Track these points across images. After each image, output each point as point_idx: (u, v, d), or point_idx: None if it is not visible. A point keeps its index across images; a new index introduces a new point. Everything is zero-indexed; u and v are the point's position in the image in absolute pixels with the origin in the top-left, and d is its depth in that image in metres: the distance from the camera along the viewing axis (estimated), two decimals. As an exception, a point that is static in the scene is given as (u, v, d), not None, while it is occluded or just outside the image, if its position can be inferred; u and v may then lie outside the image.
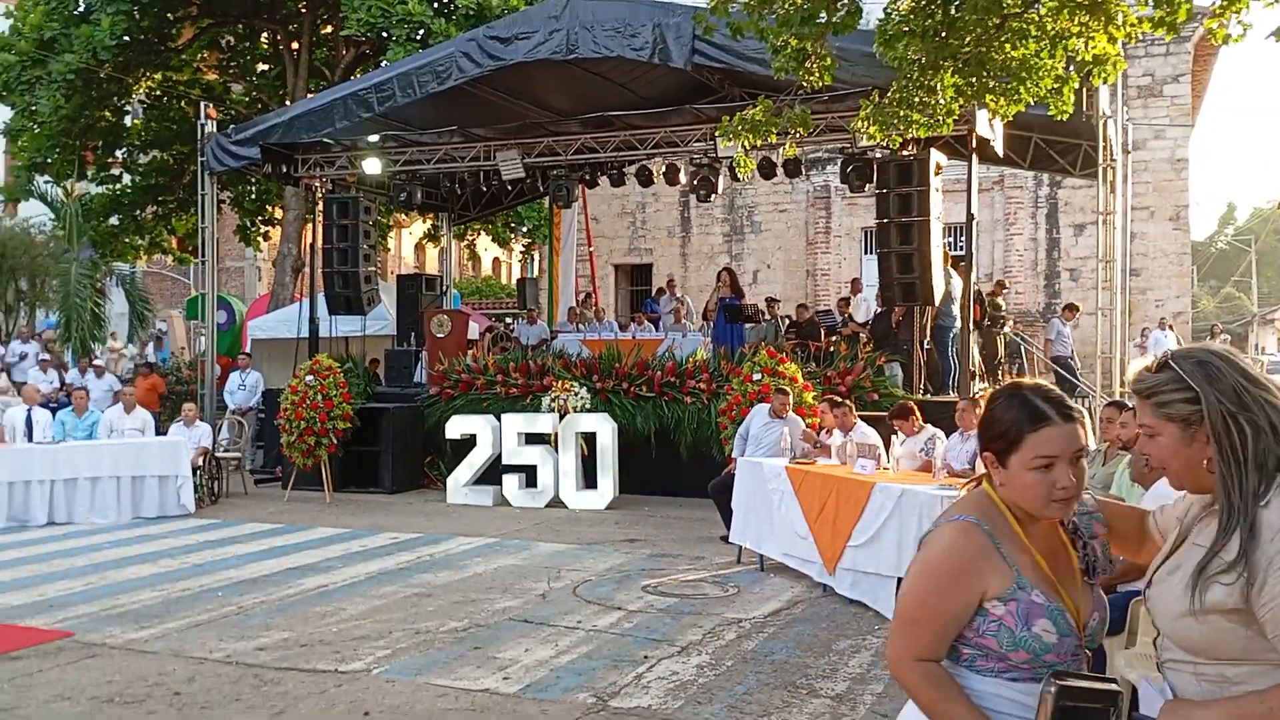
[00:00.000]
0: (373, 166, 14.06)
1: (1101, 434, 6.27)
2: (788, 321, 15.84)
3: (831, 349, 12.95)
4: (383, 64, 17.01)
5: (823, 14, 6.31)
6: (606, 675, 5.36)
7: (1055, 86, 6.68)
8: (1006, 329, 15.06)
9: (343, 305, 14.61)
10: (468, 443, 12.14)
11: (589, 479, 11.63)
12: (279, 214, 21.52)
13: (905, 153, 11.15)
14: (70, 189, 20.70)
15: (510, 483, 11.81)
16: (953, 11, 6.25)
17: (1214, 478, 1.82)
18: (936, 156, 11.50)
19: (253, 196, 22.02)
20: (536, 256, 26.88)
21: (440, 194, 16.58)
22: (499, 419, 12.09)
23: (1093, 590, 2.04)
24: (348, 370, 13.07)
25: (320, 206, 15.02)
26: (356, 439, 12.69)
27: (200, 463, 11.84)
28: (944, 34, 6.28)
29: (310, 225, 17.27)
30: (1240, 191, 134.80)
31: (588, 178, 15.50)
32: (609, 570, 8.09)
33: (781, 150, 11.49)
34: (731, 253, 23.88)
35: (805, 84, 6.91)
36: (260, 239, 23.46)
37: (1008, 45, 6.39)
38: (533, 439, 11.92)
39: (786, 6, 6.35)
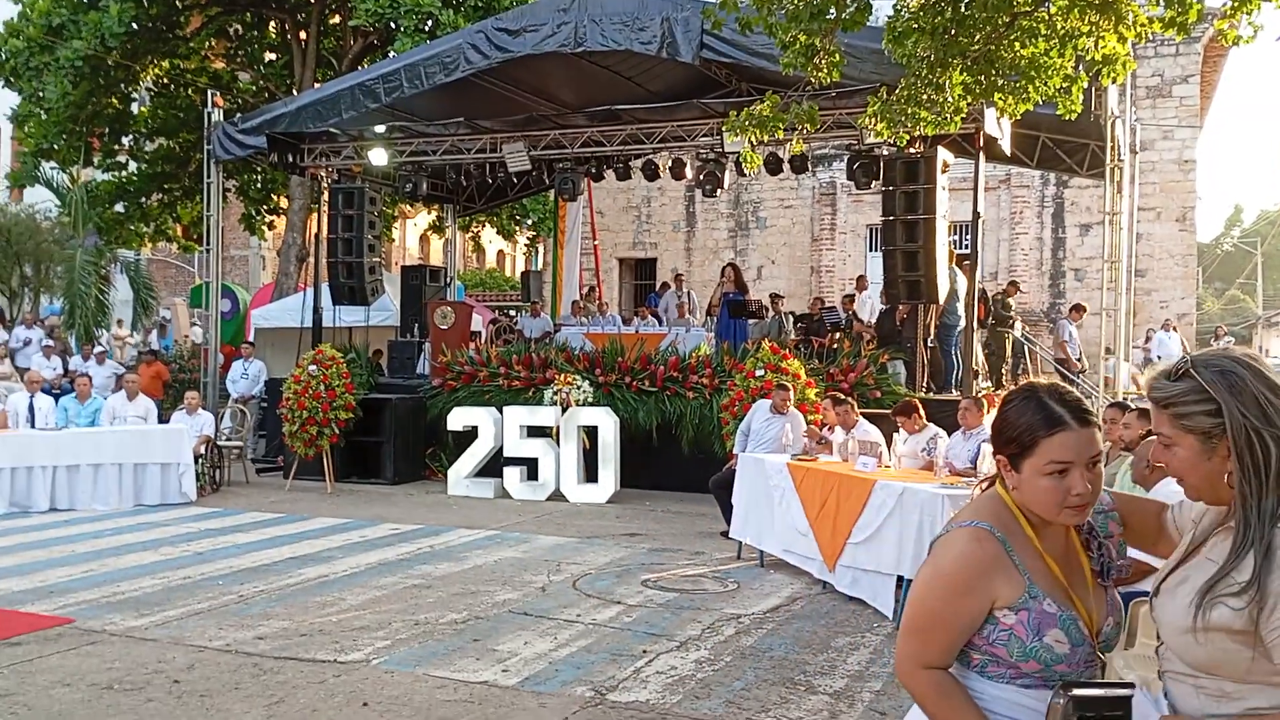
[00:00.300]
0: (379, 157, 14.06)
1: (1105, 435, 6.26)
2: (792, 317, 15.84)
3: (835, 346, 12.94)
4: (390, 55, 16.99)
5: (832, 10, 6.29)
6: (605, 669, 5.36)
7: (1064, 86, 6.67)
8: (1015, 330, 15.02)
9: (346, 295, 14.61)
10: (469, 435, 12.15)
11: (590, 473, 11.63)
12: (284, 203, 21.52)
13: (912, 150, 11.13)
14: (76, 175, 20.72)
15: (511, 475, 11.82)
16: (962, 9, 6.24)
17: (1233, 491, 1.76)
18: (943, 154, 11.47)
19: (258, 185, 22.02)
20: (541, 249, 26.85)
21: (445, 185, 16.57)
22: (501, 411, 12.09)
23: (1107, 593, 2.00)
24: (351, 360, 13.07)
25: (325, 196, 15.01)
26: (358, 429, 12.70)
27: (202, 451, 11.85)
28: (953, 31, 6.26)
29: (315, 215, 17.27)
30: (1247, 193, 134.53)
31: (593, 171, 15.48)
32: (609, 564, 8.10)
33: (788, 146, 11.45)
34: (736, 248, 23.88)
35: (813, 80, 6.89)
36: (265, 228, 23.46)
37: (1017, 44, 6.37)
38: (534, 432, 11.93)
39: (796, 2, 6.33)
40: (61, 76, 17.98)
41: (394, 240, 30.61)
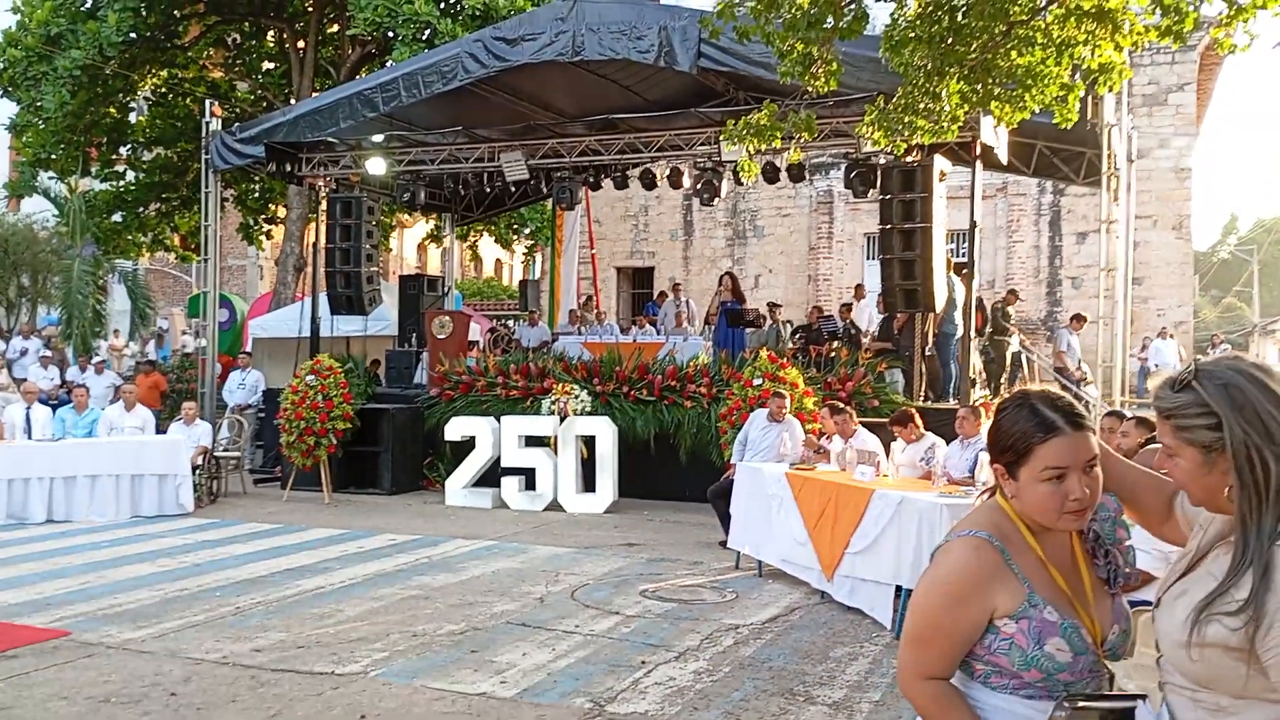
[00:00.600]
0: (376, 166, 14.07)
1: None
2: (790, 326, 15.83)
3: (833, 354, 12.93)
4: (388, 64, 17.02)
5: (829, 19, 6.30)
6: (604, 680, 5.34)
7: (1060, 94, 6.67)
8: (1013, 340, 15.01)
9: (344, 305, 14.61)
10: (467, 445, 12.13)
11: (588, 482, 11.61)
12: (282, 213, 21.54)
13: (909, 159, 11.14)
14: (74, 185, 20.70)
15: (509, 485, 11.80)
16: (959, 18, 6.24)
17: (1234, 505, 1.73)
18: (940, 163, 11.49)
19: (256, 195, 22.04)
20: (539, 258, 26.88)
21: (443, 194, 16.57)
22: (499, 421, 12.08)
23: (1114, 600, 1.98)
24: (348, 370, 13.06)
25: (323, 206, 15.01)
26: (356, 439, 12.68)
27: (199, 462, 11.83)
28: (950, 40, 6.27)
29: (313, 224, 17.27)
30: (1243, 202, 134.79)
31: (591, 180, 15.50)
32: (607, 574, 8.08)
33: (785, 155, 11.48)
34: (734, 257, 23.89)
35: (810, 89, 6.90)
36: (263, 238, 23.48)
37: (1014, 52, 6.38)
38: (532, 441, 11.91)
39: (793, 11, 6.34)
40: (59, 86, 17.99)
41: (391, 250, 30.62)
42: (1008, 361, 14.76)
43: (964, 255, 14.84)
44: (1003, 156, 12.09)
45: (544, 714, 4.85)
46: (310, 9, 19.92)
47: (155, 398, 15.33)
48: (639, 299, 24.40)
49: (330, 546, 9.24)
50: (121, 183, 21.27)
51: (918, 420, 7.97)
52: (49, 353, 17.02)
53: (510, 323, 20.23)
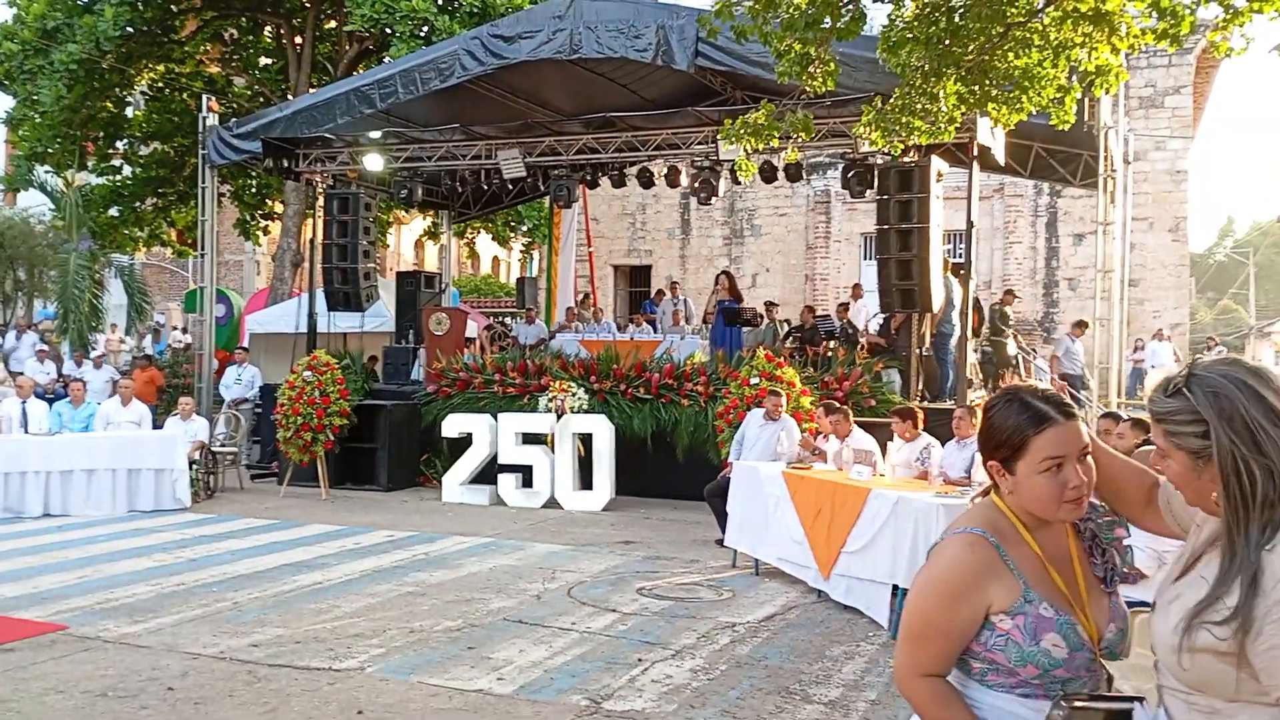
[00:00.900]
0: (374, 163, 14.07)
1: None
2: (786, 326, 15.85)
3: (829, 354, 12.96)
4: (386, 60, 17.02)
5: (827, 19, 6.32)
6: (600, 677, 5.36)
7: (1057, 96, 6.70)
8: (1009, 342, 15.05)
9: (341, 301, 14.61)
10: (464, 441, 12.14)
11: (585, 480, 11.62)
12: (279, 208, 21.51)
13: (906, 159, 11.18)
14: (70, 179, 20.67)
15: (506, 482, 11.81)
16: (956, 19, 6.27)
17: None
18: (937, 163, 11.52)
19: (253, 190, 22.00)
20: (536, 256, 26.90)
21: (441, 191, 16.58)
22: (496, 418, 12.08)
23: (1111, 599, 2.00)
24: (345, 366, 13.06)
25: (321, 202, 15.02)
26: (353, 435, 12.69)
27: (196, 457, 11.83)
28: (947, 41, 6.29)
29: (310, 220, 17.27)
30: (1239, 204, 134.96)
31: (589, 178, 15.52)
32: (604, 572, 8.10)
33: (783, 154, 11.51)
34: (731, 256, 23.91)
35: (808, 89, 6.92)
36: (260, 233, 23.43)
37: (1011, 54, 6.40)
38: (530, 439, 11.92)
39: (791, 11, 6.36)
40: (56, 80, 17.95)
41: (389, 246, 30.55)
42: (1006, 362, 14.79)
43: (961, 256, 14.87)
44: (1000, 158, 12.13)
45: (541, 711, 4.87)
46: (308, 5, 19.89)
47: (151, 392, 15.32)
48: (636, 297, 24.42)
49: (327, 542, 9.25)
50: (118, 177, 21.22)
51: (918, 419, 7.99)
52: (46, 347, 16.98)
53: (507, 320, 20.25)
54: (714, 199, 13.84)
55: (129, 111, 21.40)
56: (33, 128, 19.07)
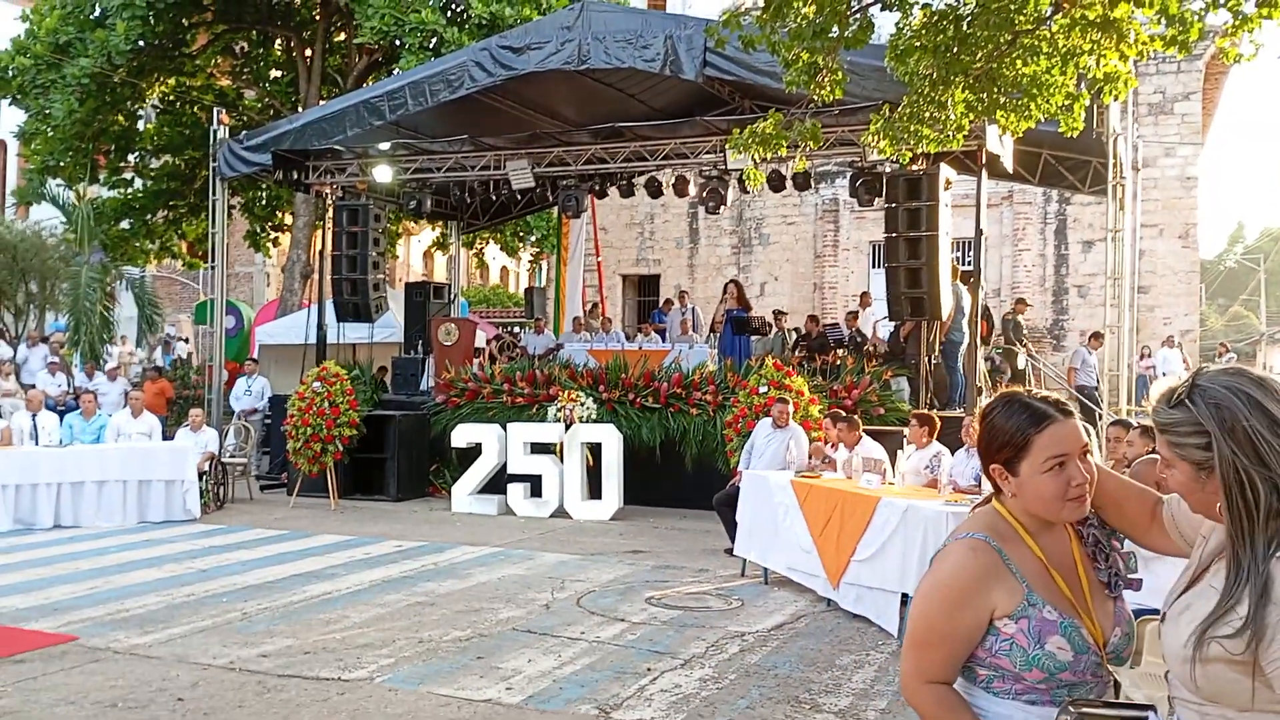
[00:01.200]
0: (383, 174, 14.12)
1: (1108, 453, 6.26)
2: (795, 335, 15.84)
3: (838, 362, 12.93)
4: (395, 72, 17.08)
5: (835, 28, 6.32)
6: (609, 687, 5.35)
7: (1066, 103, 6.68)
8: (1021, 354, 15.00)
9: (351, 312, 14.65)
10: (473, 451, 12.15)
11: (594, 489, 11.62)
12: (289, 220, 21.58)
13: (915, 167, 11.16)
14: (82, 193, 20.77)
15: (515, 492, 11.81)
16: (964, 27, 6.26)
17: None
18: (946, 171, 11.50)
19: (263, 202, 22.10)
20: (544, 266, 26.91)
21: (450, 202, 16.63)
22: (505, 428, 12.09)
23: (1116, 604, 2.00)
24: (355, 377, 13.10)
25: (330, 213, 15.07)
26: (362, 446, 12.71)
27: (206, 468, 11.86)
28: (955, 50, 6.29)
29: (320, 232, 17.32)
30: (1250, 210, 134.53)
31: (597, 188, 15.53)
32: (613, 581, 8.08)
33: (791, 163, 11.50)
34: (739, 264, 23.91)
35: (816, 97, 6.92)
36: (270, 245, 23.53)
37: (1019, 62, 6.39)
38: (538, 448, 11.93)
39: (799, 20, 6.36)
40: (68, 94, 18.07)
41: (398, 257, 30.68)
42: (1018, 370, 14.75)
43: (969, 264, 14.84)
44: (1008, 165, 12.12)
45: (550, 720, 4.87)
46: (317, 18, 20.00)
47: (161, 404, 15.38)
48: (645, 306, 24.43)
49: (337, 552, 9.26)
50: (129, 190, 21.34)
51: (934, 427, 7.95)
52: (57, 359, 17.06)
53: (516, 330, 20.27)
54: (722, 208, 13.83)
55: (140, 125, 21.53)
56: (45, 141, 19.20)
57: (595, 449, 11.69)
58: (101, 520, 10.66)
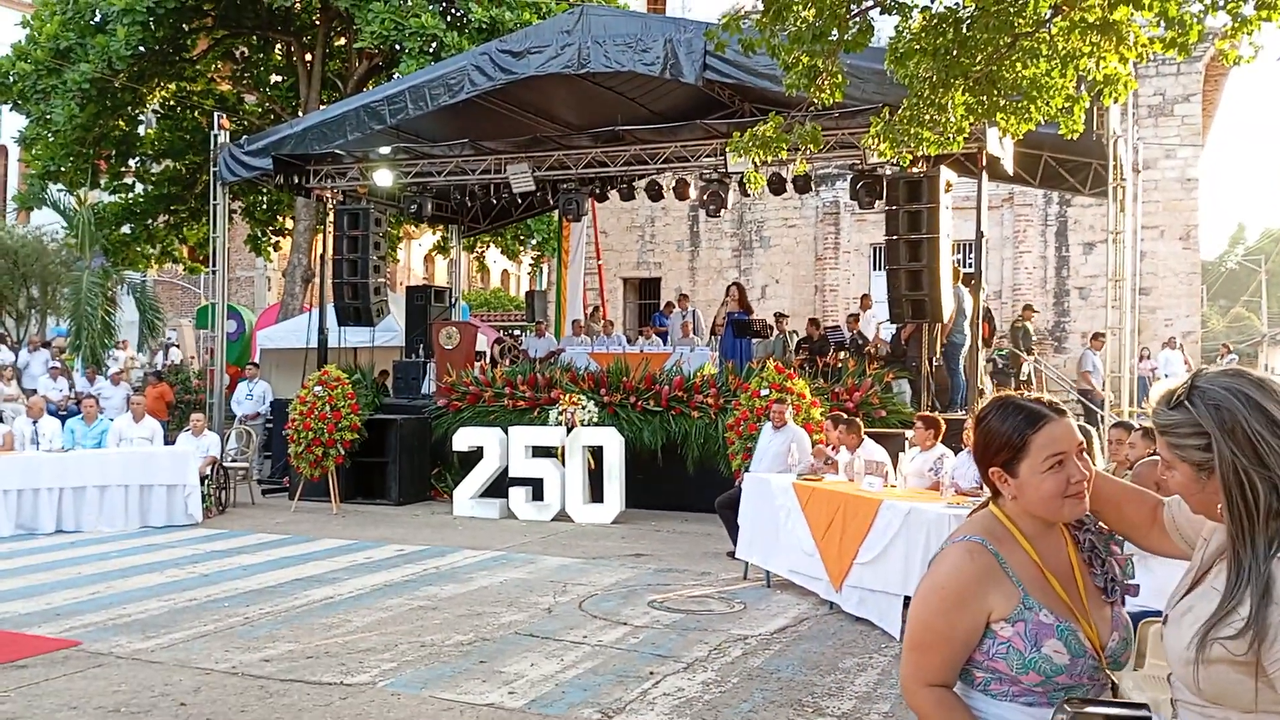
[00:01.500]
0: (384, 178, 14.13)
1: (1110, 455, 6.26)
2: (796, 337, 15.85)
3: (840, 365, 12.93)
4: (395, 76, 17.10)
5: (834, 31, 6.32)
6: (612, 691, 5.35)
7: (1066, 105, 6.69)
8: (1026, 359, 15.00)
9: (352, 316, 14.66)
10: (475, 455, 12.15)
11: (596, 493, 11.62)
12: (290, 224, 21.61)
13: (915, 170, 11.17)
14: (83, 197, 20.81)
15: (517, 496, 11.81)
16: (964, 30, 6.27)
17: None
18: (946, 174, 11.51)
19: (264, 207, 22.13)
20: (545, 269, 26.93)
21: (450, 206, 16.64)
22: (506, 432, 12.10)
23: (1113, 609, 2.01)
24: (356, 381, 13.10)
25: (331, 217, 15.08)
26: (364, 450, 12.71)
27: (208, 472, 11.86)
28: (955, 52, 6.29)
29: (320, 236, 17.34)
30: (1250, 211, 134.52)
31: (598, 191, 15.54)
32: (615, 585, 8.08)
33: (791, 166, 11.50)
34: (740, 267, 23.91)
35: (816, 100, 6.92)
36: (271, 249, 23.56)
37: (1019, 64, 6.40)
38: (540, 452, 11.93)
39: (798, 24, 6.36)
40: (69, 99, 18.10)
41: (399, 261, 30.69)
42: (1022, 375, 14.75)
43: (971, 266, 14.83)
44: (1009, 167, 12.12)
45: (552, 724, 4.86)
46: (317, 22, 20.03)
47: (162, 408, 15.38)
48: (646, 310, 24.43)
49: (338, 557, 9.26)
50: (130, 195, 21.38)
51: (940, 429, 7.94)
52: (58, 364, 17.07)
53: (517, 333, 20.27)
54: (723, 211, 13.84)
55: (141, 130, 21.56)
56: (46, 146, 19.23)
57: (597, 452, 11.69)
58: (103, 525, 10.67)
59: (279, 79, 22.19)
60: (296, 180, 14.76)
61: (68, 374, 16.82)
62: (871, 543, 6.67)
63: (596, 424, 11.90)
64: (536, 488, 11.82)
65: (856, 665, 5.92)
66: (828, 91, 6.77)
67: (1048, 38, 6.30)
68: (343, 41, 20.91)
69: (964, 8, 6.37)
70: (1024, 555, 1.96)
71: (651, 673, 5.67)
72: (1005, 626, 1.91)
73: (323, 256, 15.84)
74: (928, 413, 8.81)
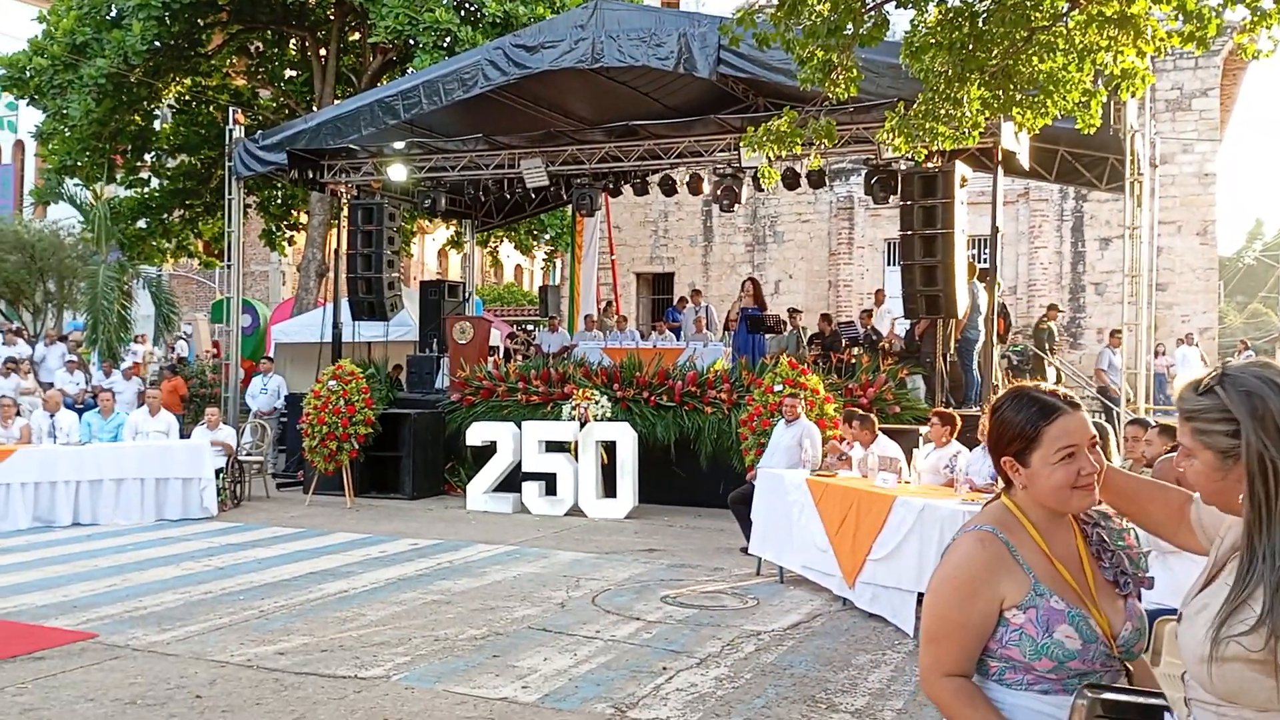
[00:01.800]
0: (398, 173, 14.16)
1: (1126, 452, 6.22)
2: (808, 333, 15.82)
3: (854, 361, 12.89)
4: (409, 71, 17.12)
5: (849, 26, 6.29)
6: (625, 686, 5.35)
7: (1083, 100, 6.65)
8: (1050, 362, 14.94)
9: (366, 311, 14.70)
10: (488, 450, 12.17)
11: (609, 488, 11.62)
12: (304, 219, 21.69)
13: (930, 165, 11.12)
14: (99, 192, 20.93)
15: (530, 490, 11.83)
16: (980, 24, 6.23)
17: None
18: (961, 169, 11.45)
19: (279, 201, 22.21)
20: (558, 264, 26.94)
21: (464, 201, 16.66)
22: (520, 426, 12.11)
23: (1125, 601, 2.02)
24: (370, 376, 13.13)
25: (345, 212, 15.12)
26: (378, 444, 12.74)
27: (223, 465, 11.91)
28: (971, 46, 6.26)
29: (335, 230, 17.38)
30: (1269, 206, 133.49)
31: (611, 186, 15.54)
32: (628, 580, 8.09)
33: (806, 161, 11.48)
34: (754, 262, 23.88)
35: (831, 95, 6.90)
36: (285, 244, 23.64)
37: (1035, 58, 6.36)
38: (553, 447, 11.94)
39: (813, 18, 6.34)
40: (85, 94, 18.19)
41: (412, 256, 30.76)
42: (1044, 375, 14.70)
43: (985, 261, 14.76)
44: (1024, 162, 12.06)
45: (566, 719, 4.87)
46: (332, 17, 20.08)
47: (176, 402, 15.46)
48: (659, 305, 24.43)
49: (352, 551, 9.29)
50: (146, 189, 21.49)
51: (955, 426, 7.92)
52: (75, 358, 17.18)
53: (531, 328, 20.29)
54: (736, 206, 13.81)
55: (156, 125, 21.67)
56: (62, 141, 19.34)
57: (610, 447, 11.69)
58: (120, 518, 10.73)
59: (294, 74, 22.26)
60: (311, 175, 14.81)
61: (84, 368, 16.93)
62: (885, 539, 6.66)
63: (610, 419, 11.91)
64: (550, 482, 11.84)
65: (870, 662, 5.91)
66: (842, 86, 6.74)
67: (1064, 31, 6.26)
68: (357, 36, 20.95)
69: (980, 1, 6.33)
70: (1033, 544, 1.99)
71: (664, 668, 5.67)
72: (1017, 613, 1.93)
73: (337, 251, 15.89)
74: (943, 409, 8.78)
